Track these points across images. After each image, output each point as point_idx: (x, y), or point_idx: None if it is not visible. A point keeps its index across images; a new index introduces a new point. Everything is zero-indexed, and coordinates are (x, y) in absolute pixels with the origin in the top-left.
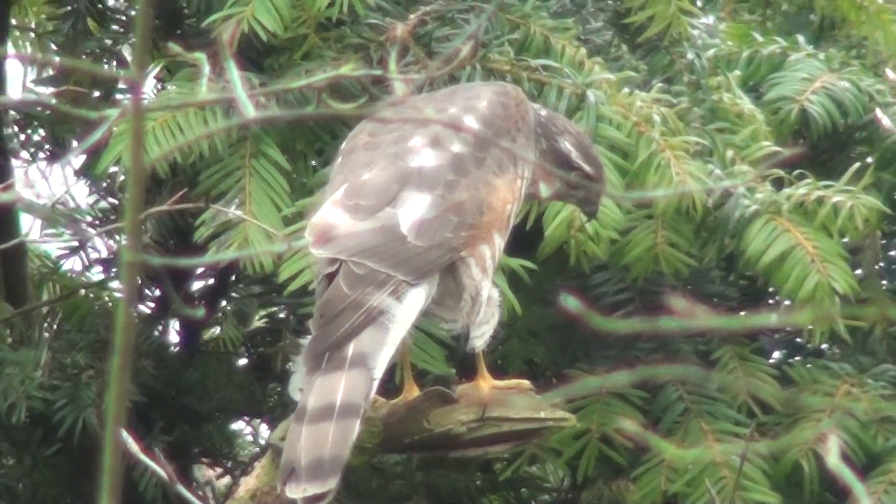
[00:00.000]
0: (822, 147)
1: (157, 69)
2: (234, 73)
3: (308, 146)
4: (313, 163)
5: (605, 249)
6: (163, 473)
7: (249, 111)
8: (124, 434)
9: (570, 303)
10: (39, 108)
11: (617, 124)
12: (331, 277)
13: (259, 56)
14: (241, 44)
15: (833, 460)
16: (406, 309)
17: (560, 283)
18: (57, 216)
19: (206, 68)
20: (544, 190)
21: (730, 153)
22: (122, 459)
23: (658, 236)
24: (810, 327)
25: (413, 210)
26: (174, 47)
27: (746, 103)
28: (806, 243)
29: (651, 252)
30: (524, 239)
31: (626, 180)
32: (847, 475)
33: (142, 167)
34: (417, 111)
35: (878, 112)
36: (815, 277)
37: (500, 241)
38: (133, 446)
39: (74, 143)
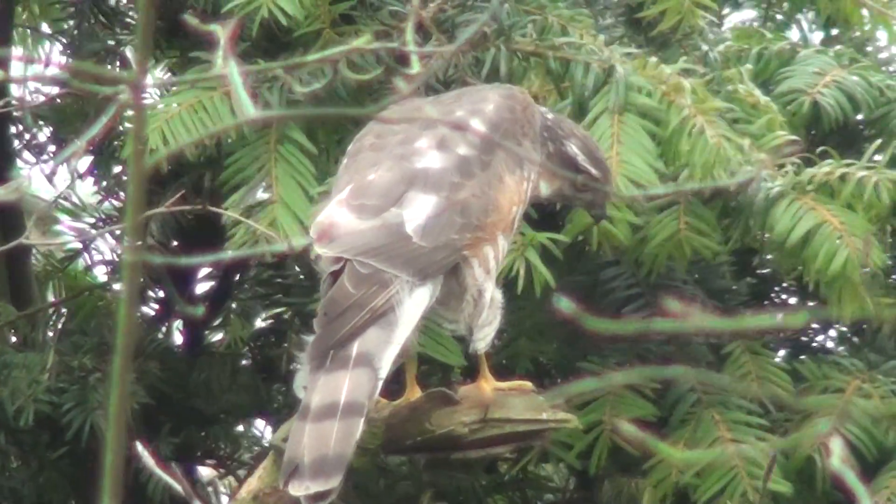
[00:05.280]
0: (833, 142)
1: (161, 69)
2: (234, 72)
3: (328, 136)
4: (335, 153)
5: (625, 233)
6: (180, 488)
7: (249, 110)
8: (140, 448)
9: (563, 304)
10: (53, 85)
11: (647, 92)
12: (335, 276)
13: (274, 52)
14: (255, 39)
15: (835, 462)
16: (410, 309)
17: (572, 278)
18: (58, 216)
19: (223, 40)
20: (544, 188)
21: (746, 142)
22: (140, 473)
23: (681, 222)
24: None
25: (418, 211)
26: (191, 19)
27: (760, 94)
28: (833, 219)
29: (674, 238)
30: (549, 220)
31: (659, 148)
32: (849, 477)
33: (143, 166)
34: (423, 113)
35: None
36: (844, 252)
37: (504, 244)
38: (149, 460)
39: (77, 143)
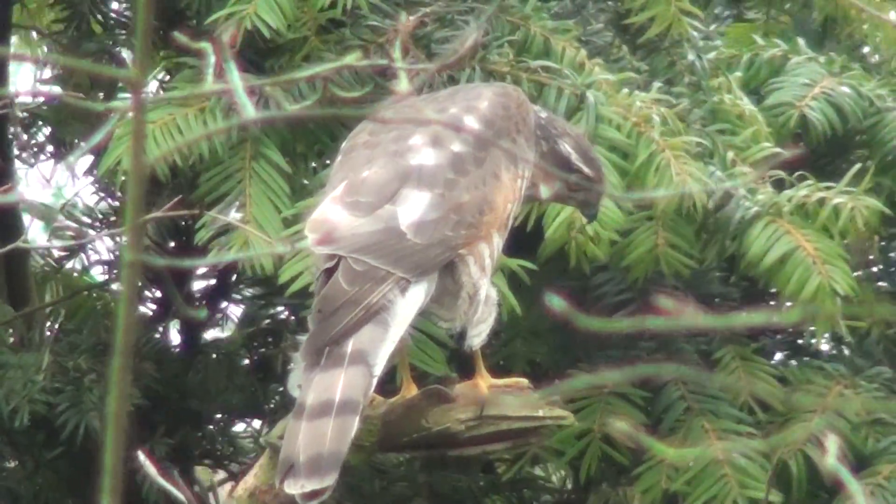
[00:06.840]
0: (822, 151)
1: (159, 71)
2: (234, 74)
3: (308, 148)
4: (313, 164)
5: (605, 251)
6: (182, 498)
7: (249, 112)
8: (142, 457)
9: (556, 303)
10: (45, 101)
11: (616, 125)
12: (330, 273)
13: (259, 58)
14: (242, 45)
15: (831, 460)
16: (405, 306)
17: (562, 283)
18: (56, 217)
19: (212, 58)
20: (545, 191)
21: (730, 154)
22: (137, 478)
23: (659, 238)
24: (811, 328)
25: (413, 208)
26: (179, 37)
27: (747, 104)
28: (807, 245)
29: (652, 253)
30: (524, 240)
31: (625, 181)
32: (844, 474)
33: (143, 167)
34: (417, 111)
35: None
36: (816, 279)
37: (498, 241)
38: (150, 469)
39: (79, 144)
